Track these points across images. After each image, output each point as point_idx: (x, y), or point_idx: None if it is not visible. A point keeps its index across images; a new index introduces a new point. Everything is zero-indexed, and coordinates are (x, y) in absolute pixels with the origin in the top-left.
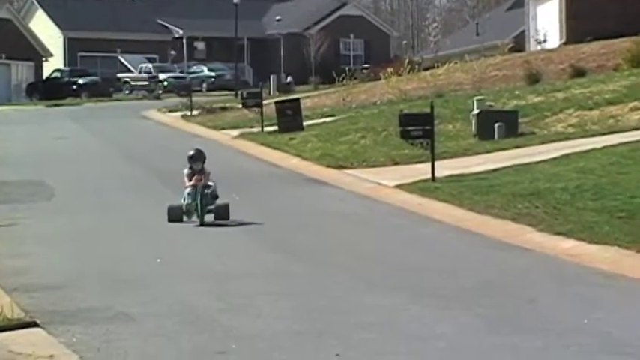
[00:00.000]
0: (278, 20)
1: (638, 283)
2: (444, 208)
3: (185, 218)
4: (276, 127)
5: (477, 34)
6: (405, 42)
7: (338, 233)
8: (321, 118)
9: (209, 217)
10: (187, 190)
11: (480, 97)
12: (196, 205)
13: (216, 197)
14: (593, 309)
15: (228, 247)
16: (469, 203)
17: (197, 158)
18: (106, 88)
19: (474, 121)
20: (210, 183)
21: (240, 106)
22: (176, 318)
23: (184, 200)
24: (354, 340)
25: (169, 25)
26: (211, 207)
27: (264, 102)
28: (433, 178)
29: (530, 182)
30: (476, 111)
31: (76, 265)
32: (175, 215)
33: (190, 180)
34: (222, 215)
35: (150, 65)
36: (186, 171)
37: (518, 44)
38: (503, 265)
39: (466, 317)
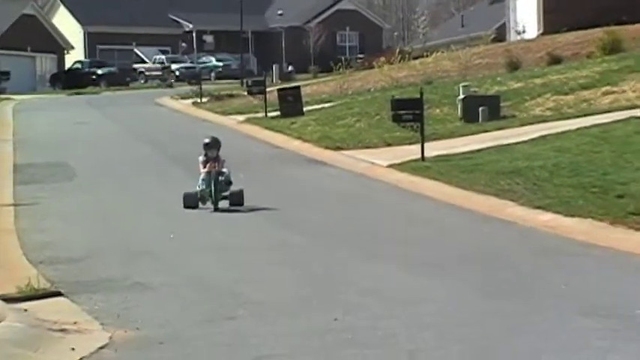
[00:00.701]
0: (280, 14)
1: (610, 252)
2: (433, 185)
3: (200, 204)
4: (278, 113)
5: (462, 26)
6: (396, 33)
7: (336, 209)
8: (319, 103)
9: (224, 203)
10: (202, 177)
11: (465, 83)
12: (210, 191)
13: (230, 183)
14: (571, 276)
15: (237, 222)
16: (456, 181)
17: (212, 145)
18: (122, 78)
19: (459, 106)
20: (224, 169)
21: (246, 93)
22: (189, 287)
23: (199, 187)
24: (352, 305)
25: (180, 20)
26: (226, 193)
27: (268, 89)
28: (423, 158)
29: (511, 161)
30: (461, 96)
31: (96, 240)
32: (190, 202)
33: (205, 167)
34: (237, 201)
35: (163, 57)
36: (201, 158)
37: (500, 35)
38: (488, 236)
39: (455, 284)
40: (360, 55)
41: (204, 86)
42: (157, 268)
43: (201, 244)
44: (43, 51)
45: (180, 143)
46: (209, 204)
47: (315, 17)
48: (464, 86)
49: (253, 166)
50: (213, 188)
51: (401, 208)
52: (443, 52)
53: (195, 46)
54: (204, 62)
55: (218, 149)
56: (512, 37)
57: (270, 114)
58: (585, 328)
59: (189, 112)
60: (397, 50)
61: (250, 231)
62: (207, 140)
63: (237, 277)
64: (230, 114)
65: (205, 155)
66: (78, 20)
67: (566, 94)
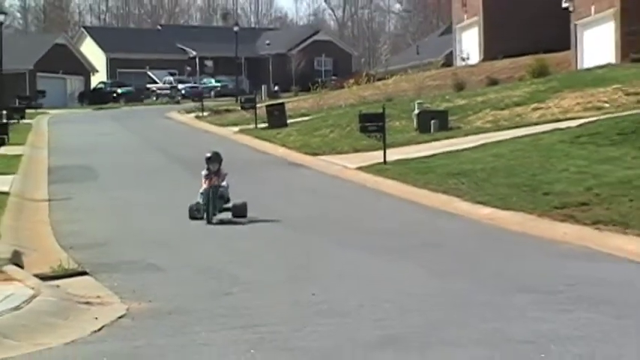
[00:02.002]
0: (268, 44)
1: (539, 239)
2: (393, 184)
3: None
4: (266, 124)
5: (417, 53)
6: (363, 59)
7: (314, 204)
8: (300, 117)
9: (227, 214)
10: (201, 190)
11: (419, 100)
12: (205, 205)
13: (226, 199)
14: (508, 259)
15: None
16: (412, 180)
17: (214, 159)
18: (138, 96)
19: (415, 119)
20: (223, 183)
21: (240, 108)
22: (193, 269)
23: (198, 200)
24: (327, 284)
25: (186, 48)
26: (229, 205)
27: (258, 105)
28: (385, 162)
29: (457, 164)
30: (417, 111)
31: (115, 229)
32: (193, 213)
33: (206, 180)
34: (240, 212)
35: (171, 78)
36: (204, 172)
37: (448, 61)
38: (439, 227)
39: (412, 267)
40: (334, 77)
41: (205, 102)
42: (166, 253)
43: (202, 232)
44: (72, 73)
45: (185, 149)
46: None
47: (297, 46)
48: (418, 103)
49: (245, 168)
50: (208, 203)
51: (367, 203)
52: (401, 75)
53: (198, 69)
54: (205, 83)
55: (220, 163)
56: (458, 62)
57: (259, 125)
58: (520, 302)
59: (193, 124)
60: (364, 73)
61: (243, 224)
62: (208, 154)
63: (232, 260)
64: (227, 125)
65: (207, 169)
66: (102, 48)
67: (502, 109)
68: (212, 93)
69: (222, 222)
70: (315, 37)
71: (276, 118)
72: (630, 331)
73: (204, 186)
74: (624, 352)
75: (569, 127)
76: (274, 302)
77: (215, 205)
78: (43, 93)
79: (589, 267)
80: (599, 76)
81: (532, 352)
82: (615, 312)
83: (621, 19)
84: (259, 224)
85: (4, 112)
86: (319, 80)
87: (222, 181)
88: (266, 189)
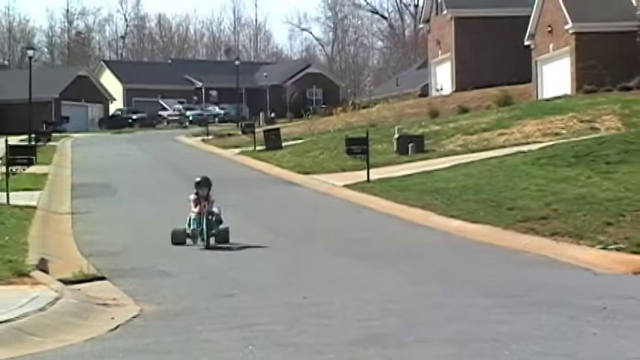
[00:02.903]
0: (265, 76)
1: (503, 249)
2: (375, 200)
3: (189, 242)
4: (264, 147)
5: (397, 85)
6: (349, 90)
7: (305, 217)
8: (293, 140)
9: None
10: (192, 216)
11: (399, 126)
12: (202, 229)
13: (221, 222)
14: (475, 267)
15: (232, 227)
16: (392, 197)
17: (203, 184)
18: (150, 121)
19: (395, 143)
20: (214, 209)
21: (240, 132)
22: (198, 274)
23: (189, 225)
24: (316, 287)
25: (193, 79)
26: (214, 231)
27: (256, 130)
28: (368, 180)
29: (432, 183)
30: (396, 135)
31: (130, 239)
32: (179, 238)
33: (196, 205)
34: (223, 238)
35: (180, 106)
36: (192, 196)
37: (424, 91)
38: (415, 238)
39: (392, 273)
40: (323, 106)
41: (210, 127)
42: (174, 260)
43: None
44: (93, 101)
45: (192, 169)
46: (199, 242)
47: (291, 78)
48: (398, 128)
49: (245, 185)
50: (205, 228)
51: (352, 216)
52: (383, 103)
53: (203, 98)
54: (210, 110)
55: (209, 188)
56: (433, 93)
57: (258, 148)
58: (485, 305)
59: (199, 147)
60: (350, 102)
61: (242, 234)
62: (198, 179)
63: (233, 266)
64: (229, 148)
65: (196, 194)
66: (119, 79)
67: (472, 134)
68: (216, 119)
69: (213, 248)
70: (307, 70)
71: (273, 141)
72: (584, 330)
73: (195, 210)
74: (579, 349)
75: (530, 151)
76: (268, 304)
77: (211, 228)
78: (67, 119)
79: (547, 274)
80: (556, 106)
81: (496, 350)
82: (570, 313)
83: (576, 56)
84: (257, 234)
85: (33, 135)
86: (310, 108)
87: (212, 207)
88: (263, 204)
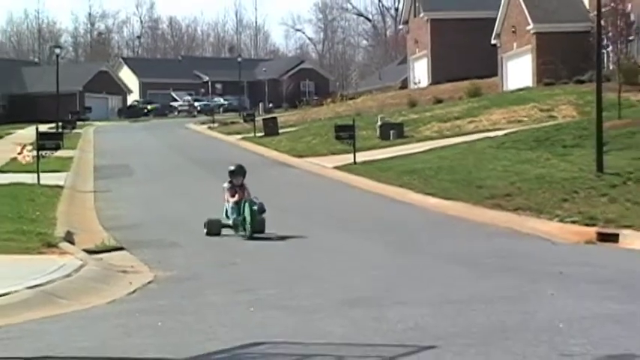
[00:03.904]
0: (264, 71)
1: (472, 223)
2: (361, 180)
3: (232, 232)
4: (263, 133)
5: (380, 79)
6: (337, 83)
7: (300, 195)
8: (289, 128)
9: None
10: (230, 205)
11: (381, 115)
12: (244, 218)
13: (264, 211)
14: (448, 238)
15: None
16: (376, 177)
17: (237, 172)
18: (163, 111)
19: (378, 129)
20: (254, 198)
21: (242, 121)
22: (205, 244)
23: (227, 215)
24: (313, 258)
25: (200, 74)
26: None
27: (256, 118)
28: (355, 162)
29: (411, 164)
30: (379, 123)
31: (146, 214)
32: (215, 229)
33: (232, 194)
34: (260, 228)
35: (189, 97)
36: (226, 185)
37: (404, 84)
38: (397, 213)
39: (374, 244)
40: (315, 97)
41: (215, 116)
42: (184, 232)
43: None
44: (112, 93)
45: (200, 152)
46: (241, 231)
47: (286, 73)
48: (381, 117)
49: (246, 167)
50: (249, 217)
51: (341, 195)
52: (367, 95)
53: (210, 90)
54: (215, 101)
55: (244, 176)
56: (412, 86)
57: (257, 134)
58: (457, 271)
59: (206, 133)
60: (338, 94)
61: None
62: (232, 168)
63: (238, 237)
64: (232, 134)
65: (230, 182)
66: (136, 74)
67: (445, 122)
68: (221, 109)
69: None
70: (301, 66)
71: (271, 128)
72: (543, 292)
73: (233, 199)
74: (538, 308)
75: (496, 136)
76: (267, 269)
77: (255, 217)
78: (89, 109)
79: (511, 243)
80: (519, 97)
81: (465, 309)
82: (530, 277)
83: (536, 53)
84: None
85: (60, 123)
86: (304, 99)
87: (250, 194)
88: (262, 183)
